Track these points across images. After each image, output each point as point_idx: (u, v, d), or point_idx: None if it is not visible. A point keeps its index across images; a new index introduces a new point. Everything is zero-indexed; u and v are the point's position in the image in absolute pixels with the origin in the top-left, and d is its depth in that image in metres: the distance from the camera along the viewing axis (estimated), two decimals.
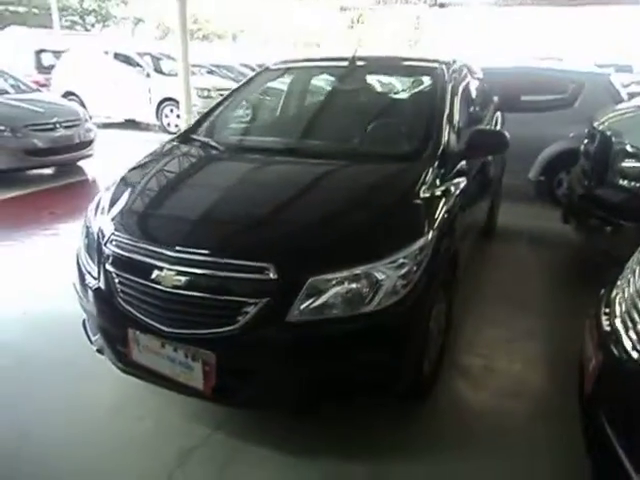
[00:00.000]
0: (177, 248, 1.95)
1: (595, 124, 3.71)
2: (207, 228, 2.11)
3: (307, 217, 2.10)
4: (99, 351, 2.29)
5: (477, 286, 3.63)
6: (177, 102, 9.78)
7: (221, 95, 3.90)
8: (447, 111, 2.69)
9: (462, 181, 2.66)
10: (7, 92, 7.20)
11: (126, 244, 2.09)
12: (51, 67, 12.65)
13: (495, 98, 4.63)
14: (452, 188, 2.50)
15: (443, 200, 2.33)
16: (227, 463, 2.09)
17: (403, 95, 3.18)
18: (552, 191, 5.55)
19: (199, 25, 31.45)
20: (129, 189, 2.43)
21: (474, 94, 3.49)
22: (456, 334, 2.93)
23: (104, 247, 2.16)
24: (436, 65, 3.10)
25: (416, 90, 3.19)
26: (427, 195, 2.26)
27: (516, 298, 3.52)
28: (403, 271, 1.92)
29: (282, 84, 3.44)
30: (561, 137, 5.27)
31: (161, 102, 10.78)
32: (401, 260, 1.92)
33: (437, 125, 2.61)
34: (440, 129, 2.59)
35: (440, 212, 2.26)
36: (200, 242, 1.98)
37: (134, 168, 2.69)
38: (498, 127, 4.14)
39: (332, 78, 3.44)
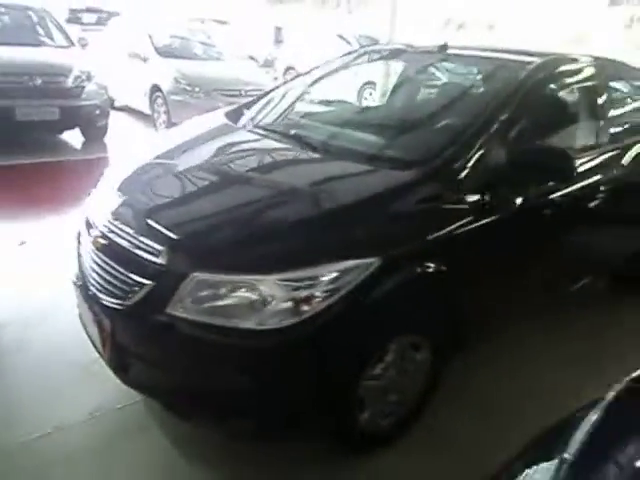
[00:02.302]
0: (109, 210, 1.98)
1: None
2: (143, 197, 2.07)
3: (231, 209, 1.94)
4: None
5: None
6: (375, 85, 9.80)
7: None
8: (498, 119, 2.10)
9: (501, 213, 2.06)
10: (217, 58, 8.20)
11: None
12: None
13: None
14: (470, 215, 1.98)
15: (429, 221, 1.91)
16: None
17: (466, 94, 2.55)
18: None
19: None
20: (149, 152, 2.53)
21: (605, 108, 2.69)
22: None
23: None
24: (532, 61, 2.43)
25: (481, 89, 2.54)
26: (397, 210, 1.89)
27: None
28: (297, 294, 1.61)
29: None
30: None
31: (363, 85, 10.96)
32: (294, 283, 1.61)
33: (470, 133, 2.06)
34: (473, 138, 2.04)
35: (417, 235, 1.86)
36: (125, 208, 1.98)
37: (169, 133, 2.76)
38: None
39: (404, 67, 2.97)
